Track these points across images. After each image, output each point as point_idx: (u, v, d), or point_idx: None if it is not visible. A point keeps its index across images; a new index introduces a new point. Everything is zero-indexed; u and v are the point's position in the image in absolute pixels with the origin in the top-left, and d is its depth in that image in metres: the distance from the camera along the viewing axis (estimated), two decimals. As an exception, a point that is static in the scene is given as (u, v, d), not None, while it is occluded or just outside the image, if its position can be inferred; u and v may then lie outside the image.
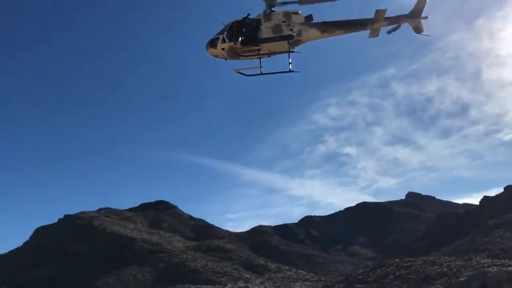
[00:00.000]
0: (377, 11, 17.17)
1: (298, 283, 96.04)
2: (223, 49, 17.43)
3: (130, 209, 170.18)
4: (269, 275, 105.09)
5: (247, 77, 17.98)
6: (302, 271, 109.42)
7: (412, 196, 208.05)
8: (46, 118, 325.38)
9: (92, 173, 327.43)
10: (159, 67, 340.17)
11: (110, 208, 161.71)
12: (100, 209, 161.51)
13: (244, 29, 17.33)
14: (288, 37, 17.16)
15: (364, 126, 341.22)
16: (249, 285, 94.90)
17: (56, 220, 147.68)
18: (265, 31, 17.11)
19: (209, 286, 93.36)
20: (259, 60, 17.72)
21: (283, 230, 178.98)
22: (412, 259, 55.29)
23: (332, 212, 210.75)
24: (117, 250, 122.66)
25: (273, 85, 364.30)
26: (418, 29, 18.35)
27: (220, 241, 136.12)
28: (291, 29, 17.39)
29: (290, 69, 17.59)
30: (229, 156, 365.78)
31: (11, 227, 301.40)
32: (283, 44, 17.35)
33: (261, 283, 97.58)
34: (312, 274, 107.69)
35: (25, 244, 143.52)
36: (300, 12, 18.04)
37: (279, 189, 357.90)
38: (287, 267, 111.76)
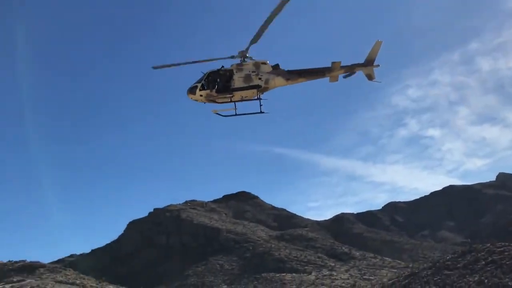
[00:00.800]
0: (333, 62, 19.20)
1: (384, 270, 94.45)
2: (201, 95, 19.59)
3: (214, 201, 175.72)
4: (354, 262, 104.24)
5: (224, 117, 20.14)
6: (387, 258, 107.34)
7: (503, 177, 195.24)
8: (137, 118, 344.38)
9: (178, 168, 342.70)
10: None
11: (195, 201, 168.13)
12: (186, 202, 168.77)
13: (218, 79, 19.28)
14: (257, 87, 19.13)
15: (447, 106, 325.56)
16: (334, 273, 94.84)
17: (146, 214, 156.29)
18: (237, 80, 19.03)
19: (294, 274, 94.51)
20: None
21: (366, 217, 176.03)
22: (506, 243, 52.46)
23: (417, 197, 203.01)
24: (204, 240, 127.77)
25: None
26: (370, 77, 19.93)
27: (302, 230, 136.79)
28: (260, 79, 19.28)
29: (261, 110, 19.56)
30: (309, 145, 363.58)
31: (107, 222, 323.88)
32: (253, 92, 19.55)
33: (346, 271, 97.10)
34: (399, 261, 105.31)
35: (120, 237, 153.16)
36: (268, 62, 19.93)
37: (360, 176, 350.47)
38: (372, 255, 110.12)
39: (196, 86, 19.57)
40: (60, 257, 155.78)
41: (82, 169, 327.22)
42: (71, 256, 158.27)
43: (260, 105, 19.59)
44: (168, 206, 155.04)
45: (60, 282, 54.74)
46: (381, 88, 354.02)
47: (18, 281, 53.86)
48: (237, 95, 19.43)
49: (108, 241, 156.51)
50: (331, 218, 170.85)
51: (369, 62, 19.44)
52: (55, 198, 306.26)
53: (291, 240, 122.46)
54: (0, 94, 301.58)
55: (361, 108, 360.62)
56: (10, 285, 51.56)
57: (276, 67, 19.84)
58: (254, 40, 18.85)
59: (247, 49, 19.33)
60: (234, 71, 19.33)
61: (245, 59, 19.55)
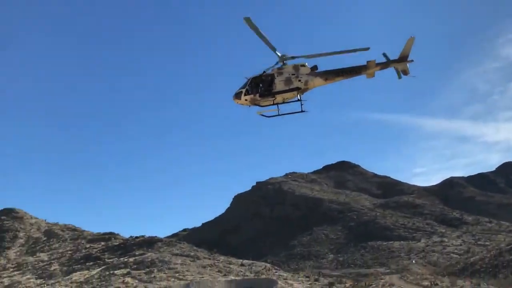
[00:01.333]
0: (368, 61, 20.14)
1: (501, 235, 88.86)
2: (246, 100, 21.21)
3: (314, 172, 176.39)
4: (467, 228, 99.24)
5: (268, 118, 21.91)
6: (505, 222, 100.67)
7: None
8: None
9: (277, 141, 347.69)
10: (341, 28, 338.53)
11: (295, 173, 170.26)
12: (287, 174, 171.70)
13: (261, 84, 20.83)
14: (297, 89, 20.54)
15: None
16: (445, 239, 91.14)
17: (250, 188, 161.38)
18: (279, 84, 20.55)
19: (402, 242, 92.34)
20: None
21: (478, 180, 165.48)
22: None
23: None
24: (307, 211, 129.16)
25: (448, 18, 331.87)
26: (405, 72, 20.47)
27: (409, 196, 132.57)
28: (299, 80, 20.60)
29: (302, 110, 20.83)
30: (411, 108, 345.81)
31: (214, 198, 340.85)
32: (294, 94, 20.75)
33: (458, 236, 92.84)
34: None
35: (227, 210, 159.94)
36: (306, 64, 21.03)
37: (470, 137, 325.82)
38: (486, 219, 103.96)
39: (241, 92, 21.14)
40: (174, 232, 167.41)
41: (189, 149, 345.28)
42: (184, 230, 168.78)
43: (301, 105, 21.00)
44: (269, 179, 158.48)
45: (176, 254, 58.51)
46: (489, 39, 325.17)
47: (140, 254, 58.62)
48: (279, 97, 20.96)
49: (217, 215, 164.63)
50: (439, 183, 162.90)
51: (403, 58, 20.28)
52: (168, 179, 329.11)
53: (397, 208, 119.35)
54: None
55: (467, 63, 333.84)
56: (133, 258, 56.33)
57: (314, 68, 21.08)
58: (308, 56, 20.67)
59: (294, 57, 20.87)
60: (275, 75, 20.73)
61: (285, 62, 20.85)
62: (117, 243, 66.28)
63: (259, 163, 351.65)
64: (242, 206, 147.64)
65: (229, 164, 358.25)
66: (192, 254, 61.14)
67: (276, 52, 20.53)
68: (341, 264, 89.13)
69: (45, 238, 79.81)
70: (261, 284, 52.80)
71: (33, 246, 76.54)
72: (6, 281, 59.36)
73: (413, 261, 79.17)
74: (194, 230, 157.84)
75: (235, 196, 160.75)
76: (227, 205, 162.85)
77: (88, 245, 68.09)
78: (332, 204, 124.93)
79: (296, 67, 20.86)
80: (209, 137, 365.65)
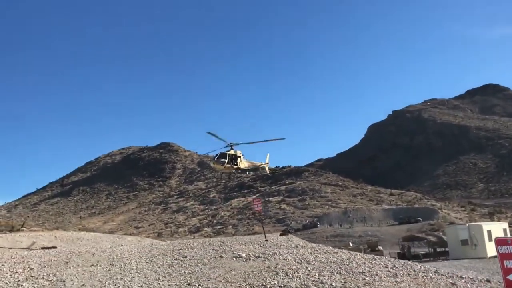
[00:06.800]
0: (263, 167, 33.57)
1: None
2: (225, 167, 29.71)
3: (456, 97, 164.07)
4: None
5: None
6: None
7: None
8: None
9: (414, 64, 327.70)
10: None
11: (435, 99, 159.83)
12: (425, 101, 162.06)
13: (233, 159, 29.97)
14: (245, 171, 32.00)
15: None
16: None
17: (385, 117, 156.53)
18: (240, 163, 30.32)
19: None
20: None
21: None
22: None
23: None
24: (451, 139, 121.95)
25: None
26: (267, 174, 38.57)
27: None
28: (241, 162, 30.61)
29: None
30: None
31: (349, 127, 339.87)
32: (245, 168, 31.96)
33: None
34: None
35: (362, 140, 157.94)
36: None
37: None
38: None
39: (224, 161, 29.33)
40: (309, 162, 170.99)
41: (314, 80, 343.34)
42: (319, 160, 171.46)
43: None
44: (407, 107, 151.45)
45: (325, 183, 59.92)
46: None
47: (290, 183, 61.04)
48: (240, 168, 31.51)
49: (351, 145, 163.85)
50: None
51: (264, 165, 32.61)
52: (301, 107, 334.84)
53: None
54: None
55: None
56: (285, 186, 58.89)
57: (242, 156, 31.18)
58: (245, 143, 30.53)
59: (238, 143, 30.22)
60: (238, 155, 30.13)
61: (232, 147, 29.77)
62: (266, 173, 69.94)
63: (394, 90, 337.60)
64: (378, 136, 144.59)
65: (363, 93, 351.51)
66: (340, 183, 62.21)
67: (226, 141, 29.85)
68: (493, 194, 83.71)
69: (199, 169, 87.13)
70: (422, 213, 51.91)
71: (189, 176, 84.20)
72: (174, 206, 66.56)
73: None
74: (329, 160, 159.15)
75: (370, 126, 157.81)
76: (362, 135, 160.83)
77: (238, 175, 72.81)
78: (480, 131, 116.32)
79: (238, 153, 30.20)
80: (341, 63, 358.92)
